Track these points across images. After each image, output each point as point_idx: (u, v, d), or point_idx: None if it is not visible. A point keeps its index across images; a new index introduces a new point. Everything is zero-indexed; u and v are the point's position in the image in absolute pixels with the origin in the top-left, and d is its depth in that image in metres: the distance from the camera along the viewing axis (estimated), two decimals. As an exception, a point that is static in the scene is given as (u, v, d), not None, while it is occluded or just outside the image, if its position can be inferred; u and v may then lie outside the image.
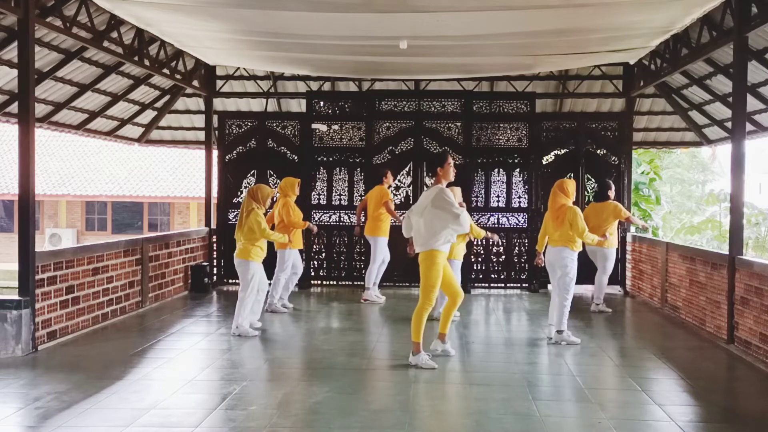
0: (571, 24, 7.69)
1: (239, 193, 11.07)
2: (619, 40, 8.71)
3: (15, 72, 7.62)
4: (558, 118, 11.46)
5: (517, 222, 10.88)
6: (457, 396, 5.42)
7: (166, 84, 11.29)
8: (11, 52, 7.95)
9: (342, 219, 11.00)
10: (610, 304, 9.63)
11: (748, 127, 9.00)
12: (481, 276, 10.89)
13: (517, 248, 10.91)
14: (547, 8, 6.97)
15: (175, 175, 25.71)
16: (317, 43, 8.59)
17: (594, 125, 10.94)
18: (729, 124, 9.26)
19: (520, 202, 10.86)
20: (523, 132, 10.88)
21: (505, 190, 10.89)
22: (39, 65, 8.49)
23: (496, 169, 10.90)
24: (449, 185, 6.36)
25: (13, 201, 24.31)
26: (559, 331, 7.09)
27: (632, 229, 11.10)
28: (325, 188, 10.99)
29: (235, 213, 10.96)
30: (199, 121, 12.33)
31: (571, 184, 7.36)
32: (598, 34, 8.23)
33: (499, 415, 4.87)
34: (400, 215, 9.66)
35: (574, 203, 7.37)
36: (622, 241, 10.82)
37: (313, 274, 10.97)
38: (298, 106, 12.26)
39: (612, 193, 9.04)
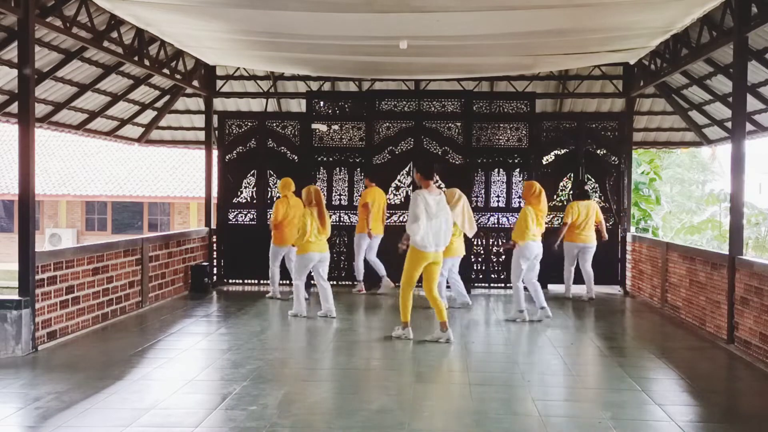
0: (571, 24, 7.70)
1: (239, 193, 11.08)
2: (619, 40, 8.71)
3: (15, 72, 7.62)
4: (558, 118, 11.45)
5: (517, 222, 10.87)
6: (457, 396, 5.42)
7: (166, 84, 11.30)
8: (11, 52, 7.95)
9: (342, 219, 11.00)
10: (611, 304, 9.69)
11: (748, 127, 9.00)
12: (481, 276, 10.88)
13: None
14: (547, 8, 6.98)
15: (175, 175, 25.70)
16: (317, 43, 8.59)
17: (594, 125, 10.94)
18: (729, 124, 9.26)
19: (520, 203, 10.84)
20: (523, 132, 10.88)
21: (505, 190, 10.88)
22: (39, 65, 8.49)
23: (496, 169, 10.90)
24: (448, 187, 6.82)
25: (13, 201, 24.31)
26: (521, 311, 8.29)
27: (632, 228, 11.13)
28: (325, 188, 10.98)
29: (236, 213, 11.12)
30: (199, 121, 12.33)
31: (526, 187, 8.52)
32: (598, 34, 8.23)
33: (499, 415, 4.87)
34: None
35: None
36: (622, 241, 10.84)
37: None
38: (298, 106, 12.26)
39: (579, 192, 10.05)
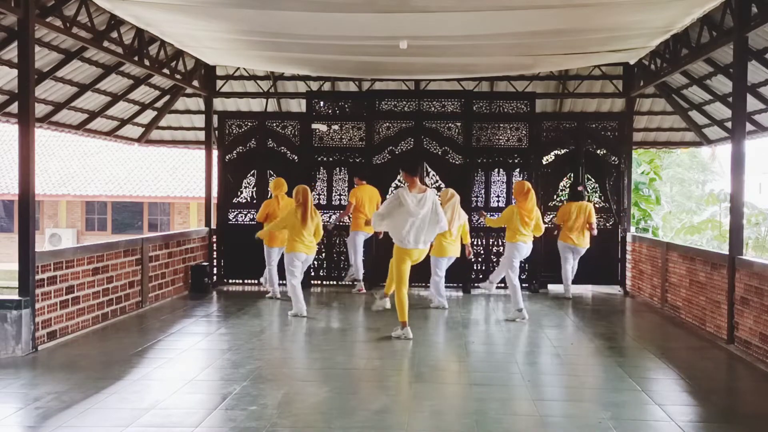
0: (571, 24, 7.70)
1: (239, 193, 11.08)
2: (619, 40, 8.71)
3: (15, 72, 7.62)
4: (558, 118, 11.46)
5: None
6: (457, 396, 5.42)
7: (166, 84, 11.29)
8: (11, 52, 7.95)
9: (342, 219, 10.99)
10: (611, 304, 9.69)
11: (748, 127, 9.00)
12: (481, 276, 10.86)
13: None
14: (547, 8, 6.97)
15: (175, 175, 25.70)
16: (317, 43, 8.59)
17: (594, 125, 10.94)
18: (729, 124, 9.26)
19: (520, 202, 10.85)
20: (523, 132, 10.87)
21: (505, 190, 10.87)
22: (39, 65, 8.48)
23: (496, 169, 10.89)
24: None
25: (13, 201, 24.31)
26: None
27: (632, 228, 11.14)
28: (325, 188, 10.98)
29: (236, 213, 11.13)
30: (199, 121, 12.33)
31: (517, 185, 8.57)
32: (598, 34, 8.23)
33: (499, 415, 4.87)
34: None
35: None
36: (622, 241, 10.84)
37: (313, 274, 10.96)
38: (298, 106, 12.26)
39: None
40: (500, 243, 10.79)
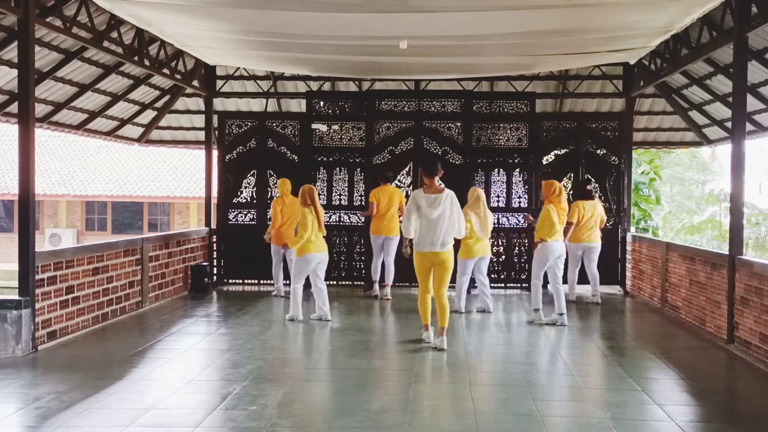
0: (571, 24, 7.70)
1: (239, 193, 11.08)
2: (619, 40, 8.72)
3: (15, 72, 7.63)
4: (558, 118, 11.45)
5: (517, 222, 10.87)
6: (457, 396, 5.42)
7: (166, 84, 11.29)
8: (11, 52, 7.95)
9: (342, 219, 11.00)
10: (611, 304, 9.68)
11: (748, 127, 9.00)
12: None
13: (517, 248, 10.91)
14: (547, 8, 6.98)
15: (175, 175, 25.70)
16: (317, 43, 8.60)
17: (594, 125, 10.94)
18: (729, 124, 9.26)
19: (520, 202, 10.86)
20: (523, 132, 10.87)
21: (505, 190, 10.88)
22: (39, 65, 8.48)
23: (496, 169, 10.89)
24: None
25: (13, 201, 24.31)
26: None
27: (632, 228, 11.12)
28: (325, 188, 10.98)
29: (236, 213, 11.13)
30: (199, 121, 12.33)
31: (546, 186, 8.33)
32: (598, 34, 8.24)
33: (499, 415, 4.88)
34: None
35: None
36: (622, 241, 10.84)
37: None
38: (298, 106, 12.26)
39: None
40: (500, 242, 10.79)
